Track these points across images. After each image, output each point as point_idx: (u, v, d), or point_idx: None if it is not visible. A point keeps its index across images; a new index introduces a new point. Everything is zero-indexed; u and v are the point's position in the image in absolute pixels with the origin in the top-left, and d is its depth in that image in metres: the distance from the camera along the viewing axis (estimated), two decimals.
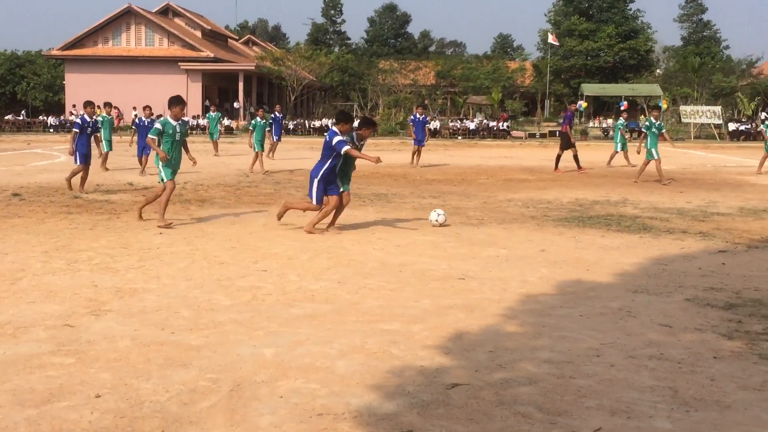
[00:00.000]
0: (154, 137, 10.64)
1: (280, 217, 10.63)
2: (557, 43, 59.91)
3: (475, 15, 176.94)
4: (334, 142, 9.90)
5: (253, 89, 55.41)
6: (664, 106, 45.93)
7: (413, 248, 9.09)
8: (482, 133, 45.83)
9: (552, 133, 44.90)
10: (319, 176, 9.99)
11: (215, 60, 53.62)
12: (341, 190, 10.14)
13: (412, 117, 23.74)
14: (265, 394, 4.41)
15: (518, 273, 7.74)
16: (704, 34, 76.45)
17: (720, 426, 4.05)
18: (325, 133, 10.92)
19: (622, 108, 44.96)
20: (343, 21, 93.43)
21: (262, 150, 19.80)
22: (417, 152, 22.40)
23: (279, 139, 24.01)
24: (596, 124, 48.02)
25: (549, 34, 59.16)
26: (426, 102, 55.24)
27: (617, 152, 23.45)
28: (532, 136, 44.92)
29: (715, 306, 6.49)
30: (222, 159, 25.06)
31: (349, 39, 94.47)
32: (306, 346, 5.28)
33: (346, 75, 59.98)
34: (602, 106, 62.43)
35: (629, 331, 5.74)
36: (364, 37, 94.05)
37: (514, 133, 45.75)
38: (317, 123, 46.99)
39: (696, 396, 4.45)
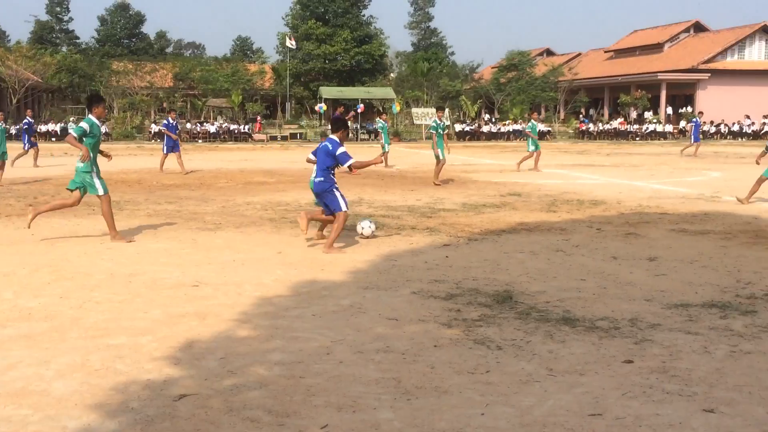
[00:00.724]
0: (76, 136, 9.56)
1: (310, 231, 9.78)
2: (295, 46, 60.73)
3: (214, 16, 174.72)
4: (337, 153, 9.36)
5: None
6: (397, 108, 48.24)
7: (145, 257, 8.75)
8: (223, 136, 45.33)
9: (293, 136, 45.49)
10: (335, 184, 9.52)
11: None
12: None
13: (165, 122, 22.82)
14: None
15: (254, 276, 7.73)
16: (432, 40, 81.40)
17: (437, 410, 4.29)
18: (325, 142, 9.58)
19: (359, 110, 46.71)
20: (71, 19, 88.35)
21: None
22: (179, 157, 21.41)
23: (32, 146, 22.38)
24: None
25: (287, 38, 59.82)
26: (165, 105, 53.63)
27: (386, 152, 24.04)
28: (273, 138, 45.19)
29: (437, 297, 6.89)
30: None
31: (78, 38, 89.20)
32: (19, 369, 4.87)
33: (75, 76, 56.51)
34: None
35: (359, 327, 5.93)
36: (95, 37, 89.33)
37: (256, 136, 45.74)
38: (43, 128, 43.70)
39: (417, 384, 4.69)
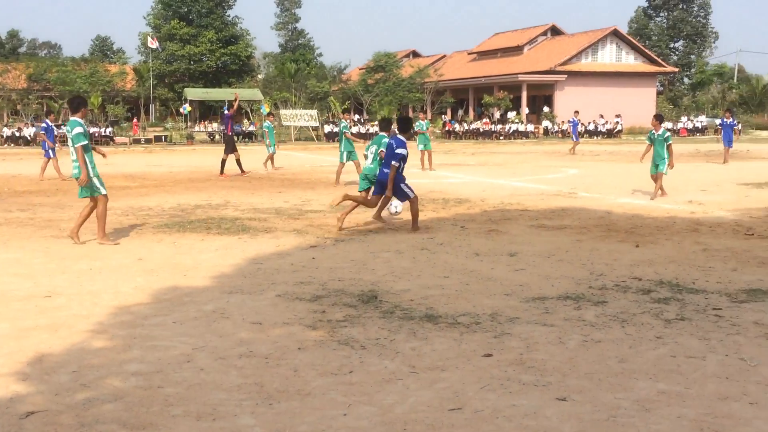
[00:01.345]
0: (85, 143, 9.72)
1: (377, 217, 11.28)
2: (157, 47, 59.07)
3: (70, 15, 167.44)
4: (397, 151, 10.64)
5: None
6: (266, 109, 47.75)
7: None
8: None
9: (158, 138, 44.22)
10: (404, 180, 10.98)
11: None
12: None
13: (44, 124, 21.57)
14: None
15: (111, 285, 7.43)
16: (299, 41, 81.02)
17: (299, 414, 4.26)
18: (388, 139, 11.14)
19: (226, 113, 45.86)
20: None
21: None
22: (54, 162, 20.25)
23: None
24: (202, 129, 48.34)
25: (149, 38, 58.10)
26: (19, 108, 50.97)
27: (272, 153, 23.60)
28: (137, 141, 43.77)
29: (303, 299, 6.85)
30: None
31: None
32: None
33: None
34: (208, 110, 63.07)
35: (221, 333, 5.81)
36: None
37: (117, 139, 44.14)
38: None
39: (280, 388, 4.64)
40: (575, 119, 33.72)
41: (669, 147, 14.83)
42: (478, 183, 18.64)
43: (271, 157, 23.30)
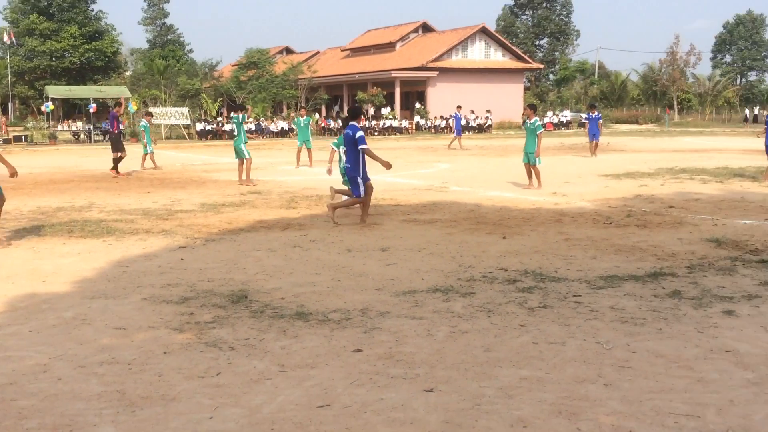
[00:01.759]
0: None
1: (333, 219, 11.12)
2: (14, 42, 56.17)
3: None
4: (357, 136, 10.92)
5: None
6: (134, 107, 46.27)
7: None
8: None
9: (18, 138, 42.08)
10: (362, 174, 11.10)
11: None
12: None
13: None
14: None
15: None
16: (169, 37, 78.90)
17: (164, 419, 4.14)
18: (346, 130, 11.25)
19: (91, 110, 44.21)
20: None
21: None
22: None
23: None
24: (66, 128, 46.34)
25: (5, 33, 55.15)
26: None
27: (148, 153, 22.74)
28: None
29: (170, 302, 6.67)
30: None
31: None
32: None
33: None
34: (73, 109, 60.55)
35: (82, 340, 5.57)
36: None
37: None
38: None
39: (143, 394, 4.49)
40: (458, 114, 34.19)
41: (538, 136, 15.42)
42: None
43: (148, 157, 22.64)
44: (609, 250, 8.85)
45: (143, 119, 24.79)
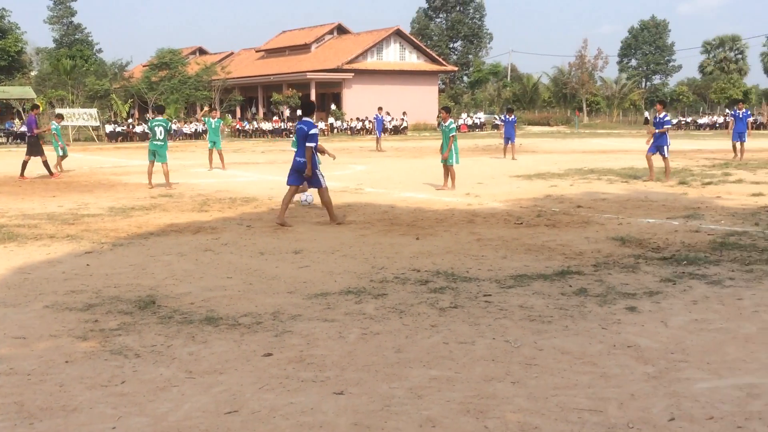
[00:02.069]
0: None
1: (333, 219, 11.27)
2: None
3: None
4: (311, 133, 10.96)
5: None
6: (40, 108, 44.73)
7: None
8: None
9: None
10: (318, 166, 11.38)
11: None
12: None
13: None
14: None
15: None
16: (76, 36, 76.65)
17: (64, 431, 4.00)
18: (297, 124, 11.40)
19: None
20: None
21: None
22: None
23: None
24: None
25: None
26: None
27: (62, 156, 21.90)
28: None
29: (74, 309, 6.46)
30: None
31: None
32: None
33: None
34: None
35: None
36: None
37: None
38: None
39: (42, 406, 4.33)
40: (379, 115, 34.26)
41: (451, 138, 15.63)
42: (266, 181, 18.55)
43: (60, 160, 21.95)
44: (519, 249, 9.02)
45: (53, 121, 24.05)
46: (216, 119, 22.79)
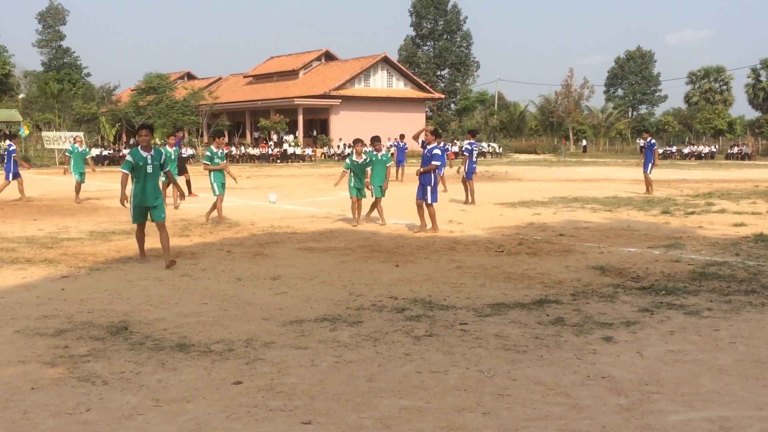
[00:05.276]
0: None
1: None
2: None
3: None
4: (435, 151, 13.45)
5: None
6: (25, 131, 44.65)
7: None
8: None
9: None
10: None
11: None
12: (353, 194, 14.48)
13: None
14: None
15: None
16: (65, 60, 76.69)
17: None
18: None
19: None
20: None
21: None
22: None
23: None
24: None
25: None
26: None
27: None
28: None
29: (44, 334, 6.37)
30: None
31: None
32: None
33: None
34: None
35: None
36: None
37: None
38: None
39: None
40: (401, 143, 31.35)
41: (388, 168, 15.08)
42: (249, 207, 18.49)
43: (78, 186, 20.58)
44: (498, 277, 8.98)
45: (74, 143, 22.17)
46: (174, 149, 20.02)
